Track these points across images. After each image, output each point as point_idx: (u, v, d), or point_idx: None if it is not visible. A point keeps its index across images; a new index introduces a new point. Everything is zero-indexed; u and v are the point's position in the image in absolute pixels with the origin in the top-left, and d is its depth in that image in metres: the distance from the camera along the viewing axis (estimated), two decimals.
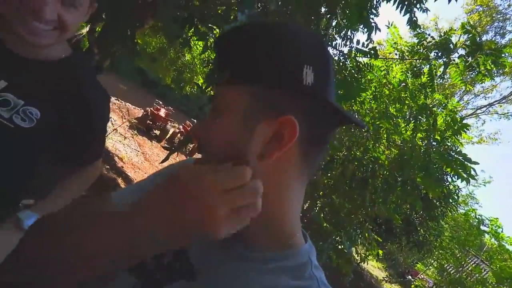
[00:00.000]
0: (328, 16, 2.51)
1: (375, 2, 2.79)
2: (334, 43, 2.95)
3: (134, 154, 5.55)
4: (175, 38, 1.24)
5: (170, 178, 0.32)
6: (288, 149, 0.34)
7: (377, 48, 2.91)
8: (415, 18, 2.21)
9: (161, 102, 8.65)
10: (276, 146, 0.34)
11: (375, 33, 2.29)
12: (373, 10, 2.74)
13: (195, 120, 8.61)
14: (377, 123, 2.54)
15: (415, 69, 3.00)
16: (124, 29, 1.27)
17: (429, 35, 2.73)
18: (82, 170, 0.83)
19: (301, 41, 0.36)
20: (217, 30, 1.69)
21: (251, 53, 0.35)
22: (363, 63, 3.17)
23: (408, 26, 2.30)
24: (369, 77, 3.35)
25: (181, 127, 8.71)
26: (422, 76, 2.83)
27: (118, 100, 8.90)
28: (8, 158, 0.69)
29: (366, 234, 2.84)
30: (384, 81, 3.29)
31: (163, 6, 1.03)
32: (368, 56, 2.79)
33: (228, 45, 0.38)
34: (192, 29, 1.32)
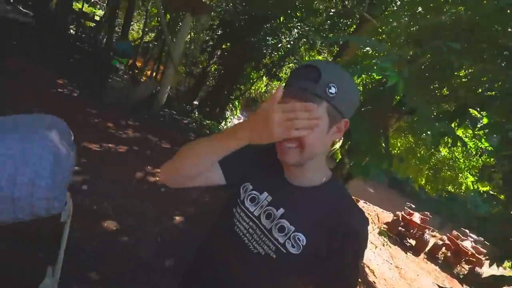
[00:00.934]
0: None
1: None
2: None
3: (387, 266, 4.87)
4: (440, 136, 0.98)
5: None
6: None
7: None
8: None
9: (413, 206, 7.60)
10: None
11: None
12: None
13: (467, 231, 6.37)
14: None
15: None
16: (375, 138, 1.22)
17: None
18: None
19: None
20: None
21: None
22: None
23: None
24: None
25: (445, 238, 6.84)
26: None
27: (367, 204, 9.00)
28: (278, 280, 0.74)
29: None
30: None
31: (421, 105, 0.86)
32: None
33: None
34: (465, 122, 1.00)
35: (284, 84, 0.71)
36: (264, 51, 5.51)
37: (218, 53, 8.11)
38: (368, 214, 6.70)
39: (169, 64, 4.99)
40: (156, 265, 2.30)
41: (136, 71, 8.10)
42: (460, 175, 4.28)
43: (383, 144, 1.26)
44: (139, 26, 12.62)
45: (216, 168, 0.77)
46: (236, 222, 0.77)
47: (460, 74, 1.12)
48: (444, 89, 1.11)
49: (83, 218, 2.37)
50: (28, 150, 1.03)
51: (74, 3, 11.43)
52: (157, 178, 3.59)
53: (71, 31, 8.84)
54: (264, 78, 8.18)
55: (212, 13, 8.18)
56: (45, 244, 1.40)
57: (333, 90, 0.66)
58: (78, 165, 3.04)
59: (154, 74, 8.15)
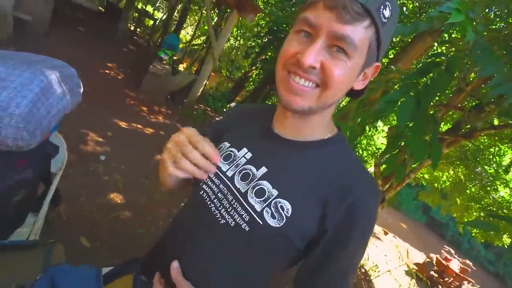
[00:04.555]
0: None
1: None
2: None
3: None
4: None
5: None
6: None
7: None
8: None
9: (452, 251, 6.63)
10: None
11: None
12: None
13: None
14: None
15: None
16: (421, 123, 0.95)
17: None
18: None
19: None
20: None
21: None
22: None
23: None
24: None
25: None
26: None
27: (396, 238, 8.11)
28: (250, 262, 0.54)
29: None
30: None
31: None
32: None
33: None
34: None
35: None
36: None
37: (261, 58, 8.15)
38: (396, 246, 5.94)
39: (209, 58, 5.06)
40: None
41: (180, 64, 8.46)
42: None
43: (431, 134, 0.98)
44: (193, 29, 13.36)
45: None
46: (203, 186, 0.59)
47: None
48: None
49: (92, 185, 2.36)
50: (14, 76, 0.95)
51: (140, 4, 12.59)
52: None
53: (132, 27, 9.72)
54: None
55: (262, 22, 8.31)
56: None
57: (387, 12, 0.45)
58: (102, 137, 3.10)
59: (195, 71, 8.46)
